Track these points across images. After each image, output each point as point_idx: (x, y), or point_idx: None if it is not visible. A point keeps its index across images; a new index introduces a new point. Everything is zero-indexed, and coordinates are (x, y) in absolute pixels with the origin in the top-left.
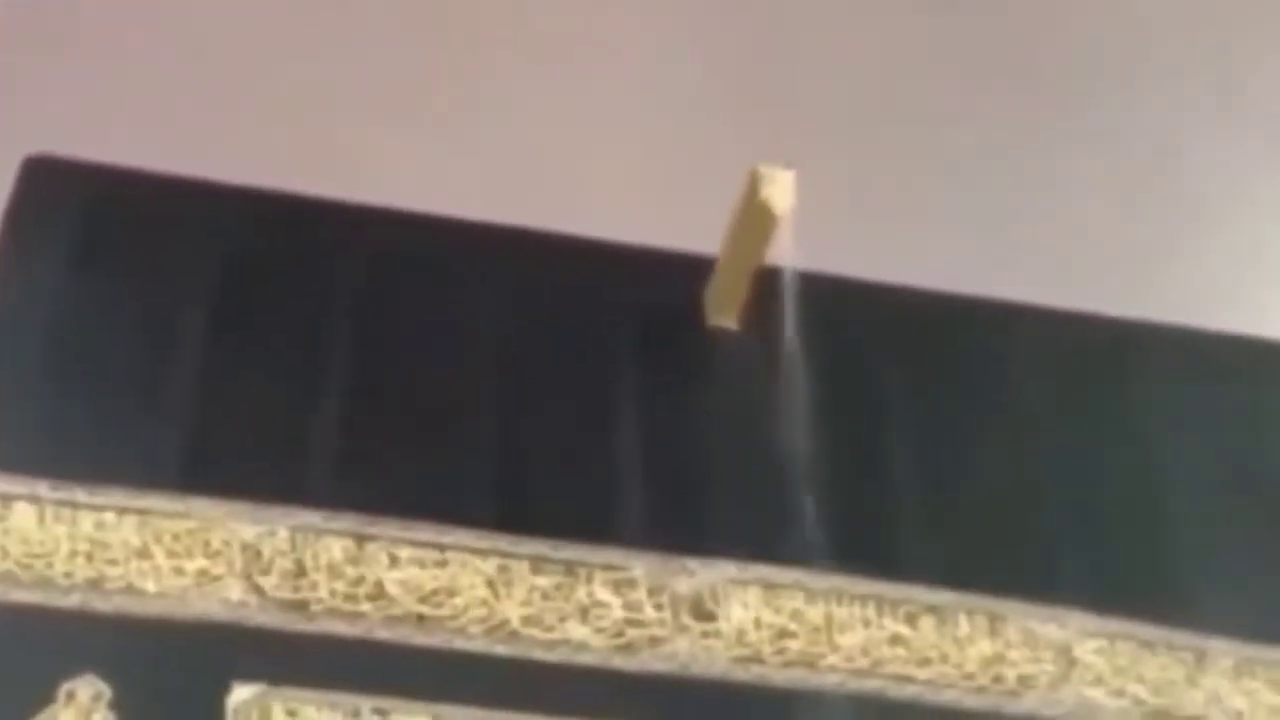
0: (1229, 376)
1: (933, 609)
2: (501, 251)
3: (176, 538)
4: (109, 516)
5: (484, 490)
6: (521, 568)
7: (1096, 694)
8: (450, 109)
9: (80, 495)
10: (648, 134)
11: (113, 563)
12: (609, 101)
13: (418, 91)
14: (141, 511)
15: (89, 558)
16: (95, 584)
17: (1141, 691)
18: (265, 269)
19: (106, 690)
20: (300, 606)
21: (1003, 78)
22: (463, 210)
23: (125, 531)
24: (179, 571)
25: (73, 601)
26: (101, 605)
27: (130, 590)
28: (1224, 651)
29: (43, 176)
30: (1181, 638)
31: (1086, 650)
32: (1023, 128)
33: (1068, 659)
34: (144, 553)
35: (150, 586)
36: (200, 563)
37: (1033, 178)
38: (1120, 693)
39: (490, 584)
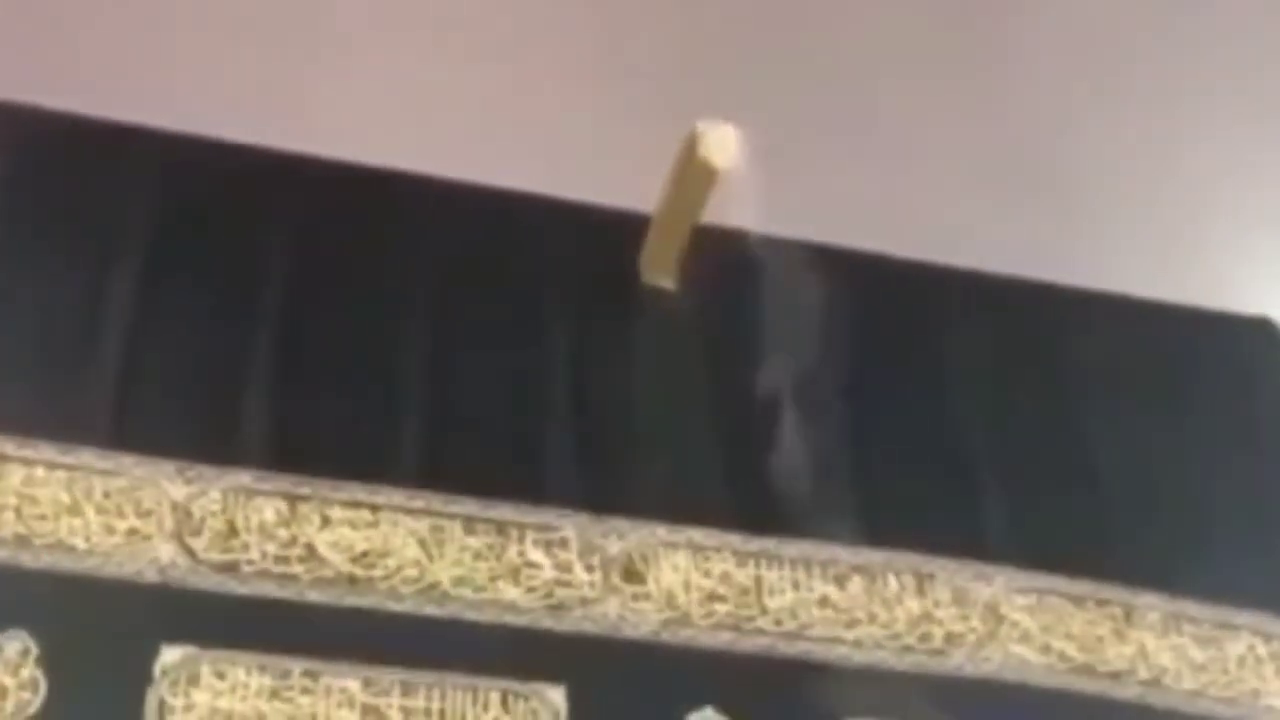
0: (1155, 338)
1: (861, 569)
2: (433, 204)
3: (107, 495)
4: (39, 471)
5: (415, 450)
6: (453, 528)
7: (1024, 651)
8: (382, 55)
9: (9, 448)
10: (585, 86)
11: (42, 518)
12: (545, 51)
13: (347, 33)
14: (71, 467)
15: (17, 512)
16: (24, 540)
17: (1069, 648)
18: (195, 223)
19: (34, 646)
20: (231, 568)
21: (948, 32)
22: (394, 161)
23: (55, 487)
24: (109, 530)
25: (0, 556)
26: (30, 561)
27: (60, 547)
28: (1152, 606)
29: None
30: (1110, 592)
31: (1014, 608)
32: (966, 88)
33: (995, 617)
34: (74, 509)
35: (80, 544)
36: (131, 522)
37: (970, 141)
38: (1047, 649)
39: (422, 544)
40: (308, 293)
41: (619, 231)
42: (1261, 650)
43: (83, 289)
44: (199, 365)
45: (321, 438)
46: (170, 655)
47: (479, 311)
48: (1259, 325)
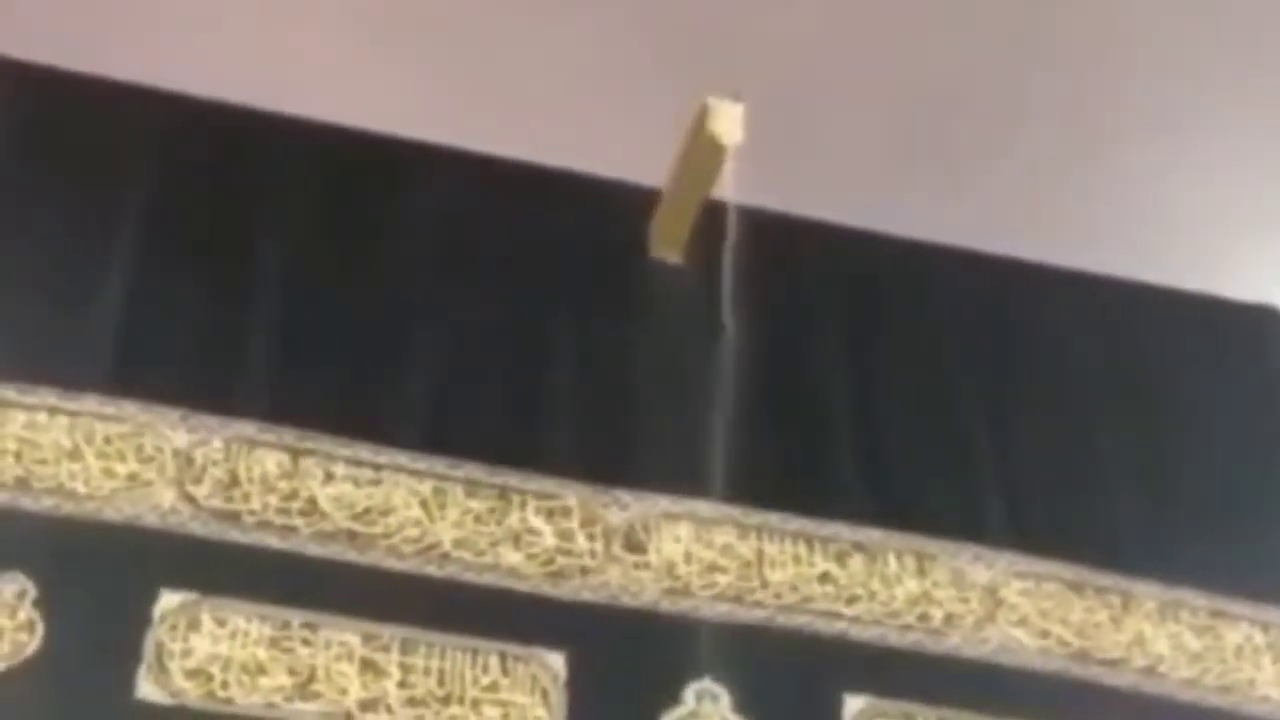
0: (1156, 324)
1: (862, 548)
2: (444, 172)
3: (108, 440)
4: (40, 416)
5: (420, 411)
6: (455, 490)
7: (1020, 634)
8: (388, 24)
9: (10, 393)
10: (596, 59)
11: (42, 462)
12: (554, 23)
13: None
14: (73, 413)
15: (18, 456)
16: (24, 482)
17: (1065, 633)
18: (202, 176)
19: (32, 588)
20: (232, 517)
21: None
22: (406, 130)
23: (56, 432)
24: (109, 474)
25: (0, 499)
26: (30, 504)
27: (60, 490)
28: (1149, 594)
29: None
30: (1108, 579)
31: (1013, 591)
32: (985, 59)
33: (994, 600)
34: (74, 454)
35: (80, 488)
36: (131, 466)
37: (984, 115)
38: (1044, 634)
39: (424, 505)
40: (315, 249)
41: (628, 204)
42: (1259, 639)
43: (86, 238)
44: (203, 315)
45: (326, 394)
46: (170, 600)
47: (487, 279)
48: (1261, 313)
